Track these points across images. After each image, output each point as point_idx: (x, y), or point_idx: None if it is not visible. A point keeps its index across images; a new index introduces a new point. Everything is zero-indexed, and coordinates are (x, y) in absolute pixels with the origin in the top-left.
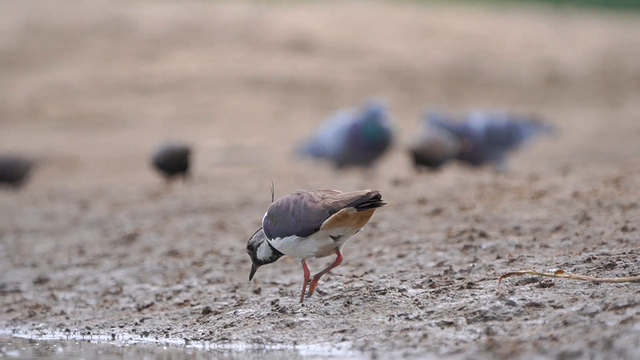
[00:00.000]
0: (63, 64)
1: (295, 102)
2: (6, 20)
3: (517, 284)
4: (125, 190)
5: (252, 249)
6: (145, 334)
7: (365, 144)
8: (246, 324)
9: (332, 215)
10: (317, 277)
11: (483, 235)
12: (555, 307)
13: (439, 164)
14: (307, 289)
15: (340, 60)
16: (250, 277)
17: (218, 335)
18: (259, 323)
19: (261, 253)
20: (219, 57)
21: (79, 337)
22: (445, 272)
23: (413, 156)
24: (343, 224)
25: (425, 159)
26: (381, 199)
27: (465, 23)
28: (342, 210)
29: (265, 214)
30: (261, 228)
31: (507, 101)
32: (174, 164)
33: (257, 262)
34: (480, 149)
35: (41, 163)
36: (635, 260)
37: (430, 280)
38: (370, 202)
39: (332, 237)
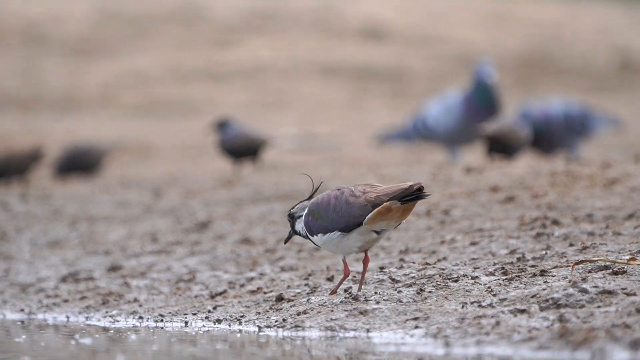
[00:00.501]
0: (137, 52)
1: (369, 90)
2: (81, 8)
3: (589, 272)
4: (198, 177)
5: (292, 217)
6: (218, 321)
7: (479, 112)
8: (319, 312)
9: (375, 210)
10: (359, 288)
11: (556, 222)
12: (627, 294)
13: (514, 152)
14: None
15: (413, 47)
16: (285, 242)
17: (291, 323)
18: (332, 310)
19: (299, 226)
20: (292, 44)
21: (152, 324)
22: (518, 259)
23: (488, 143)
24: (386, 218)
25: (501, 146)
26: (424, 190)
27: (538, 10)
28: (385, 204)
29: (306, 211)
30: (305, 199)
31: (580, 88)
32: (245, 151)
33: (295, 232)
34: (557, 136)
35: (114, 151)
36: None
37: (503, 268)
38: (414, 195)
39: (375, 231)
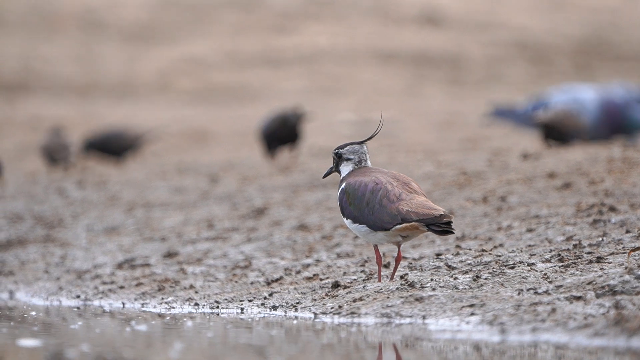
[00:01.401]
0: (194, 37)
1: (426, 76)
2: None
3: None
4: (254, 163)
5: (339, 157)
6: (274, 307)
7: (616, 123)
8: (375, 298)
9: (403, 224)
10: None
11: (612, 209)
12: None
13: (571, 139)
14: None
15: (470, 33)
16: (324, 176)
17: (347, 310)
18: (388, 297)
19: (343, 170)
20: (349, 30)
21: (207, 311)
22: (574, 246)
23: (544, 129)
24: (412, 231)
25: (557, 133)
26: (452, 224)
27: None
28: (413, 223)
29: (343, 187)
30: (358, 143)
31: (637, 74)
32: (284, 133)
33: (338, 171)
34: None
35: (150, 137)
36: None
37: (559, 255)
38: (441, 227)
39: (402, 236)
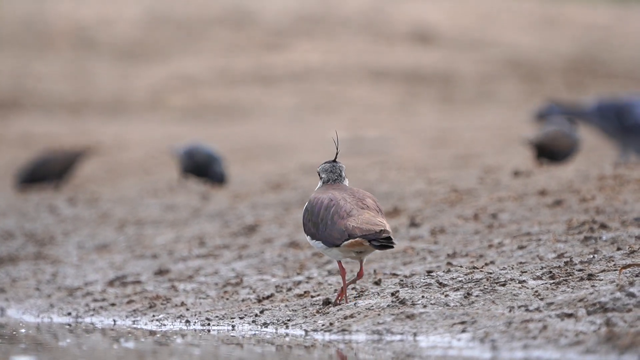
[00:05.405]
0: (186, 55)
1: (418, 93)
2: (131, 11)
3: (637, 275)
4: (246, 181)
5: (318, 175)
6: (265, 324)
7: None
8: (366, 315)
9: (349, 241)
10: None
11: (603, 226)
12: None
13: (563, 158)
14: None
15: (462, 51)
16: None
17: (338, 327)
18: (379, 314)
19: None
20: (341, 48)
21: (199, 328)
22: (566, 263)
23: (535, 149)
24: (360, 247)
25: (549, 152)
26: (392, 240)
27: (587, 14)
28: (357, 239)
29: (306, 204)
30: (330, 162)
31: (629, 92)
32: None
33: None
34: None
35: (88, 155)
36: None
37: (551, 272)
38: (381, 242)
39: (354, 252)
